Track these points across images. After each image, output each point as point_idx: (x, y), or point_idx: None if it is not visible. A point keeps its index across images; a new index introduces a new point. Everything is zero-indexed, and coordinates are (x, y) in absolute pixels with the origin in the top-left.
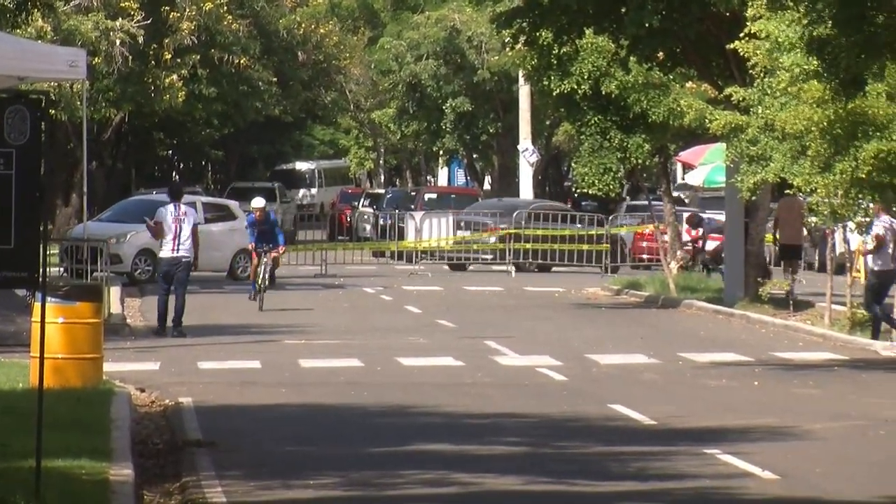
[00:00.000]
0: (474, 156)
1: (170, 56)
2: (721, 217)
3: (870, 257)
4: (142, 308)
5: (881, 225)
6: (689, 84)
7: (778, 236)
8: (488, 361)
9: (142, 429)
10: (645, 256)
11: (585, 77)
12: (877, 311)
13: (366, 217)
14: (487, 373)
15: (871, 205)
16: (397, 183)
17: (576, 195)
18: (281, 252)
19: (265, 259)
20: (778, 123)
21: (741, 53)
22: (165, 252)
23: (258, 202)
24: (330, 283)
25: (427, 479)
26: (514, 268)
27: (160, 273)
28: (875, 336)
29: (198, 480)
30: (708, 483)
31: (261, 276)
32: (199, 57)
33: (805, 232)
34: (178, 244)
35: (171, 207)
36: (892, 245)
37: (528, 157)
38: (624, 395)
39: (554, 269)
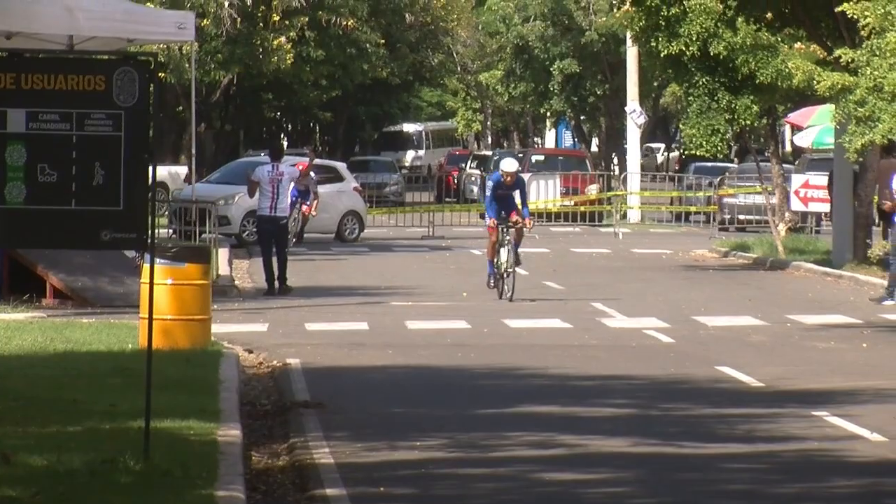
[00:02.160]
0: (581, 117)
1: (278, 18)
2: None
3: None
4: (250, 270)
5: None
6: (797, 45)
7: (876, 198)
8: (595, 323)
9: (250, 390)
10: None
11: (693, 38)
12: None
13: (473, 179)
14: (594, 335)
15: None
16: (504, 145)
17: (683, 157)
18: (529, 226)
19: (507, 236)
20: (887, 85)
21: (850, 15)
22: (262, 212)
23: (510, 164)
24: (437, 245)
25: (533, 441)
26: (621, 229)
27: (258, 233)
28: None
29: (305, 441)
30: (815, 445)
31: (504, 256)
32: (306, 19)
33: None
34: (275, 204)
35: (268, 168)
36: None
37: (635, 119)
38: (731, 357)
39: (659, 230)
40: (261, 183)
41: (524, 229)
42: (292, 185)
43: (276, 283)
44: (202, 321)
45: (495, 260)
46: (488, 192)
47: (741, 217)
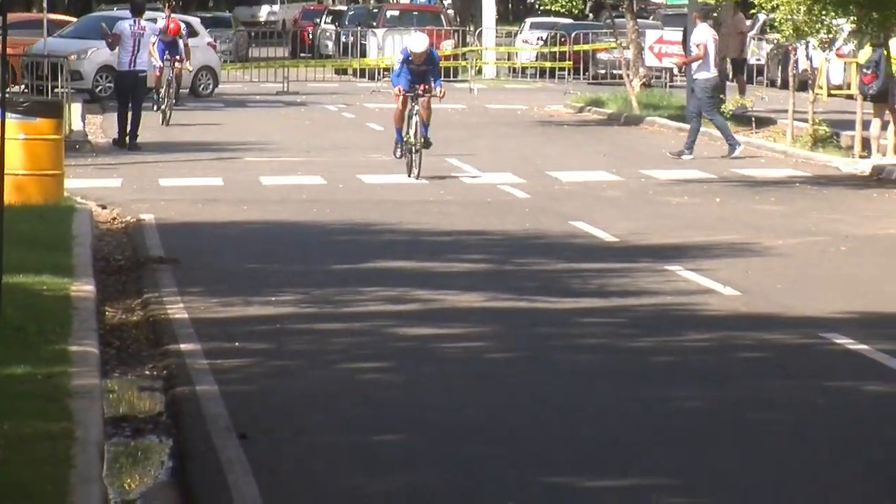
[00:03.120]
0: None
1: None
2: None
3: (693, 66)
4: (103, 125)
5: (703, 33)
6: None
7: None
8: (451, 179)
9: (103, 245)
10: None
11: None
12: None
13: (328, 34)
14: (450, 191)
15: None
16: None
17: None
18: (440, 94)
19: (416, 105)
20: None
21: None
22: (122, 66)
23: (420, 43)
24: (292, 101)
25: (388, 296)
26: (476, 85)
27: (116, 87)
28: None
29: (159, 296)
30: (669, 299)
31: (413, 130)
32: None
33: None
34: (135, 58)
35: (130, 22)
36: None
37: None
38: (586, 212)
39: (515, 85)
40: (122, 37)
41: (434, 100)
42: (156, 39)
43: (127, 139)
44: (55, 176)
45: (403, 130)
46: (397, 66)
47: (601, 72)
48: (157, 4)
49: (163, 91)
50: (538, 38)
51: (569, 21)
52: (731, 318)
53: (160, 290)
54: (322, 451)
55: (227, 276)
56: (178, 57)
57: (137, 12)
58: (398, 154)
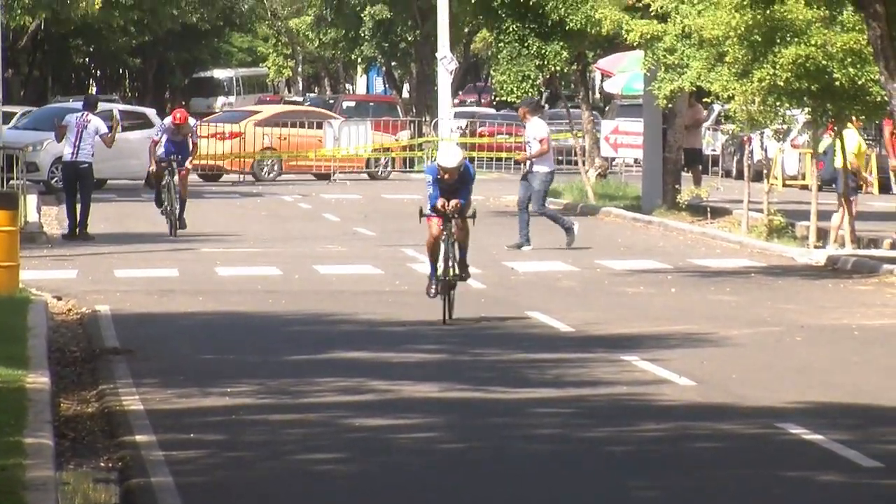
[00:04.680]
0: (393, 64)
1: None
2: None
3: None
4: (59, 216)
5: (542, 127)
6: None
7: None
8: (406, 269)
9: (59, 337)
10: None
11: None
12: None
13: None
14: (406, 281)
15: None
16: (316, 91)
17: (494, 103)
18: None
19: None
20: (696, 30)
21: None
22: (66, 156)
23: (453, 157)
24: (248, 192)
25: (343, 387)
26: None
27: (62, 178)
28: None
29: (115, 388)
30: (625, 389)
31: (443, 258)
32: None
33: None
34: (78, 149)
35: (77, 114)
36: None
37: (446, 65)
38: (542, 302)
39: None
40: (67, 128)
41: (470, 223)
42: (161, 136)
43: (77, 229)
44: (9, 268)
45: (438, 262)
46: (429, 189)
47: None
48: (112, 96)
49: (164, 196)
50: (458, 127)
51: (489, 111)
52: (686, 408)
53: (115, 382)
54: None
55: (182, 367)
56: (182, 169)
57: (90, 106)
58: (433, 292)
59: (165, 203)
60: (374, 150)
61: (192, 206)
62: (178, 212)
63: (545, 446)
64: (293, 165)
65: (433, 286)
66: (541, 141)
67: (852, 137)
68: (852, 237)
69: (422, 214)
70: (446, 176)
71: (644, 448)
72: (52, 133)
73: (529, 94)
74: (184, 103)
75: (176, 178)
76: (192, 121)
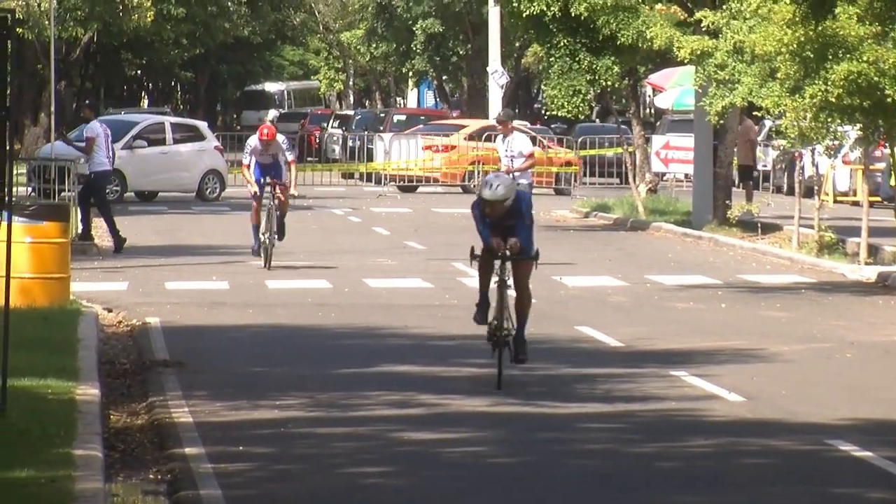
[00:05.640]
0: (444, 77)
1: None
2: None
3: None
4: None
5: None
6: (658, 6)
7: (736, 160)
8: (456, 283)
9: (109, 349)
10: None
11: None
12: None
13: (335, 138)
14: (455, 295)
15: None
16: (366, 104)
17: (545, 117)
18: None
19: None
20: (747, 46)
21: None
22: (103, 166)
23: (498, 190)
24: (298, 205)
25: (392, 401)
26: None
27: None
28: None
29: (164, 400)
30: (674, 405)
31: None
32: None
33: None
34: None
35: (98, 124)
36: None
37: (497, 80)
38: (592, 317)
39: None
40: (96, 139)
41: (530, 263)
42: (251, 159)
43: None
44: (61, 279)
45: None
46: (478, 225)
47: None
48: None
49: (263, 225)
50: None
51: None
52: (736, 424)
53: (165, 394)
54: None
55: (232, 380)
56: (280, 186)
57: (98, 113)
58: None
59: (263, 230)
60: (423, 165)
61: (241, 218)
62: (273, 242)
63: (594, 461)
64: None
65: (480, 315)
66: (528, 155)
67: None
68: None
69: (473, 256)
70: (487, 209)
71: (693, 464)
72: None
73: (580, 109)
74: (235, 115)
75: (275, 201)
76: (281, 137)
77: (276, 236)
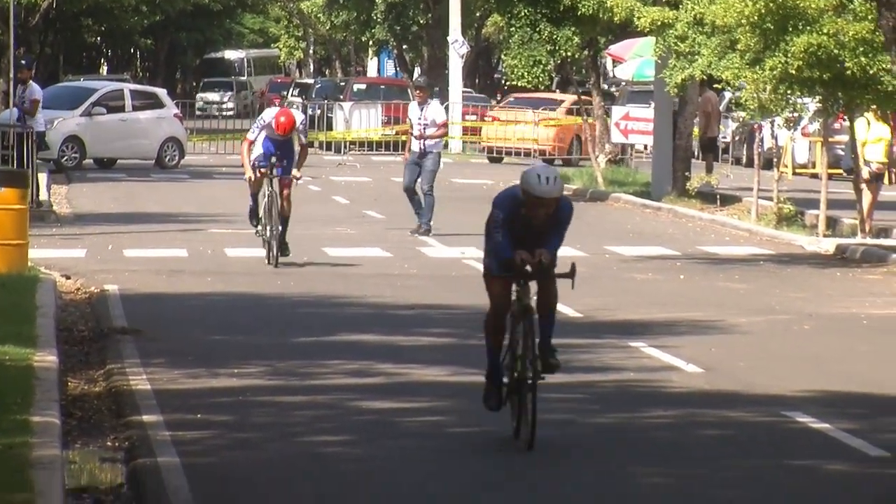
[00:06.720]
0: (404, 47)
1: None
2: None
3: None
4: (68, 195)
5: (441, 110)
6: None
7: (696, 131)
8: (415, 253)
9: (67, 316)
10: None
11: None
12: None
13: (295, 107)
14: (414, 264)
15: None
16: (326, 73)
17: (505, 87)
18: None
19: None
20: (707, 17)
21: None
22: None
23: (554, 185)
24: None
25: (352, 369)
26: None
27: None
28: None
29: (122, 367)
30: (632, 375)
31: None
32: None
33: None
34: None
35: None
36: None
37: (457, 49)
38: None
39: (481, 160)
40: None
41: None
42: (258, 134)
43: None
44: (19, 246)
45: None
46: (496, 233)
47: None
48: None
49: (262, 212)
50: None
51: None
52: (694, 395)
53: (123, 361)
54: None
55: (190, 348)
56: (286, 179)
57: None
58: (493, 403)
59: (263, 222)
60: (383, 133)
61: (200, 186)
62: (278, 233)
63: (553, 431)
64: None
65: (494, 394)
66: (441, 125)
67: (879, 128)
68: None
69: (490, 273)
70: (531, 211)
71: (651, 435)
72: (63, 112)
73: (540, 79)
74: (195, 84)
75: (277, 187)
76: (300, 117)
77: (280, 228)
